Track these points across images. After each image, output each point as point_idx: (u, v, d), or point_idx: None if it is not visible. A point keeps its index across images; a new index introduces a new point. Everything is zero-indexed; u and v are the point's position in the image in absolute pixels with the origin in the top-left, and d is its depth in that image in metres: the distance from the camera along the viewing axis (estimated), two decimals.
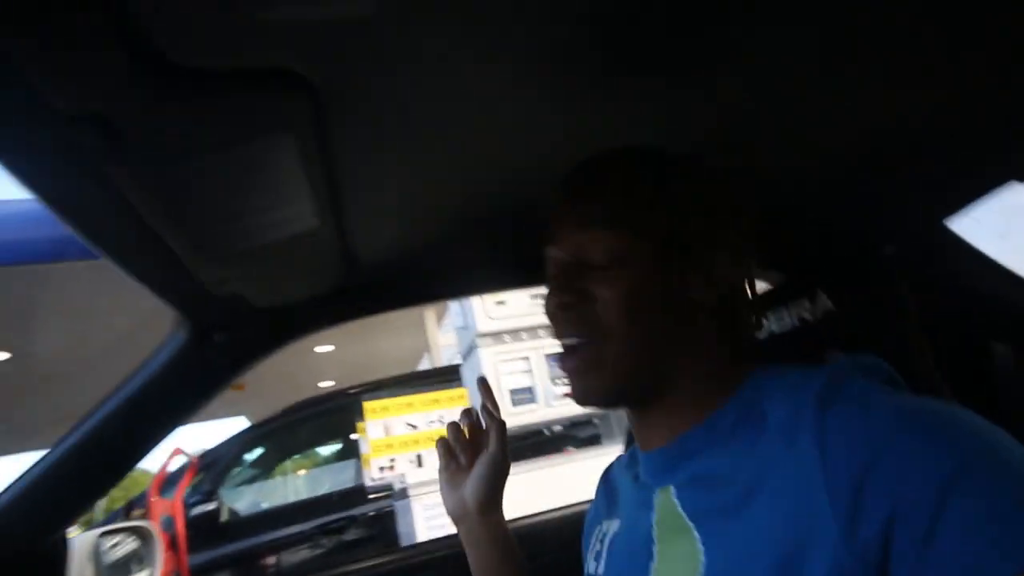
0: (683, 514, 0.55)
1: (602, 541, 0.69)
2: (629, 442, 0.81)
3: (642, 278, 0.57)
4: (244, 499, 4.22)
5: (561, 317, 0.60)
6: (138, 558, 1.22)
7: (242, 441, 4.12)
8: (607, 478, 0.78)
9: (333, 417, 4.25)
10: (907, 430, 0.43)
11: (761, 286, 0.71)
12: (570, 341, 0.60)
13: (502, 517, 0.83)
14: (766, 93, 0.70)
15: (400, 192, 0.79)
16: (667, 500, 0.57)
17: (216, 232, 0.71)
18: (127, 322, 3.05)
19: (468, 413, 0.85)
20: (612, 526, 0.68)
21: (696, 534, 0.53)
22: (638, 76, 0.62)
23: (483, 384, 0.87)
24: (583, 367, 0.59)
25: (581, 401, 0.61)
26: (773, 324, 0.89)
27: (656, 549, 0.57)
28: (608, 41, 0.56)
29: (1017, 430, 0.46)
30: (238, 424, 9.59)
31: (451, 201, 0.85)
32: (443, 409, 3.08)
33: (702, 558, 0.51)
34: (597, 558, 0.68)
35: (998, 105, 0.82)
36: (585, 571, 0.71)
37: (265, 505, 4.37)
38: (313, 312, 1.01)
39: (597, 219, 0.59)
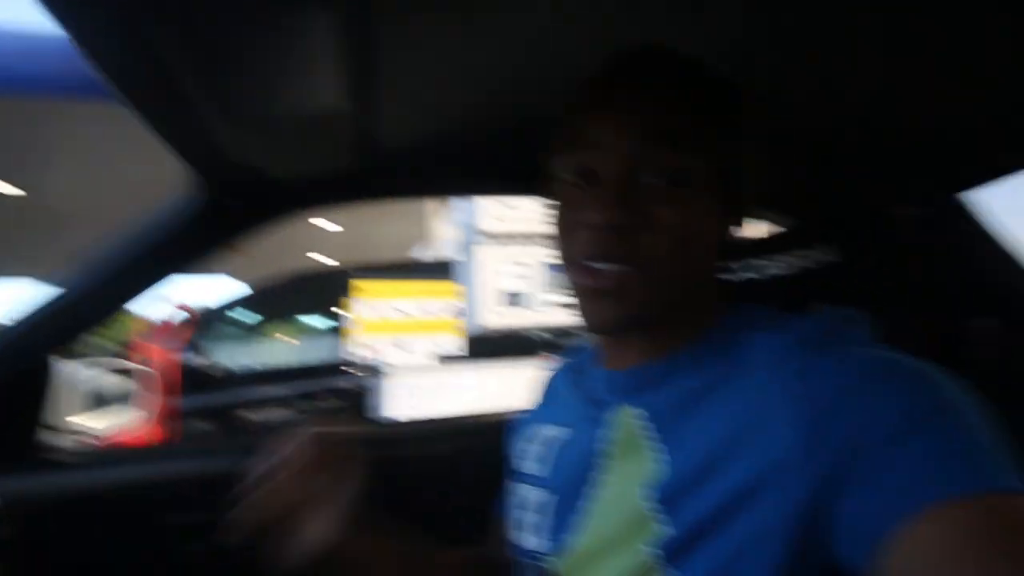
0: (644, 432, 0.56)
1: (547, 445, 0.67)
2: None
3: (702, 206, 0.54)
4: (234, 356, 4.37)
5: (611, 239, 0.52)
6: (127, 395, 1.28)
7: (236, 301, 4.21)
8: (550, 382, 0.77)
9: (323, 290, 4.33)
10: (880, 376, 0.46)
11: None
12: (615, 267, 0.53)
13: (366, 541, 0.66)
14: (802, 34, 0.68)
15: (432, 81, 0.77)
16: (628, 418, 0.58)
17: (242, 95, 0.69)
18: (142, 172, 3.01)
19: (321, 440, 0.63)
20: (560, 433, 0.67)
21: (655, 453, 0.54)
22: None
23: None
24: (617, 293, 0.53)
25: (597, 326, 0.56)
26: (773, 266, 0.91)
27: (606, 463, 0.58)
28: None
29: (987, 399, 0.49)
30: (221, 281, 9.70)
31: (480, 98, 0.83)
32: (434, 299, 3.13)
33: (656, 475, 0.52)
34: (541, 460, 0.67)
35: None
36: (522, 469, 0.70)
37: (252, 364, 4.53)
38: (326, 189, 1.00)
39: (661, 130, 0.52)
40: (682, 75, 0.55)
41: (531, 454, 0.70)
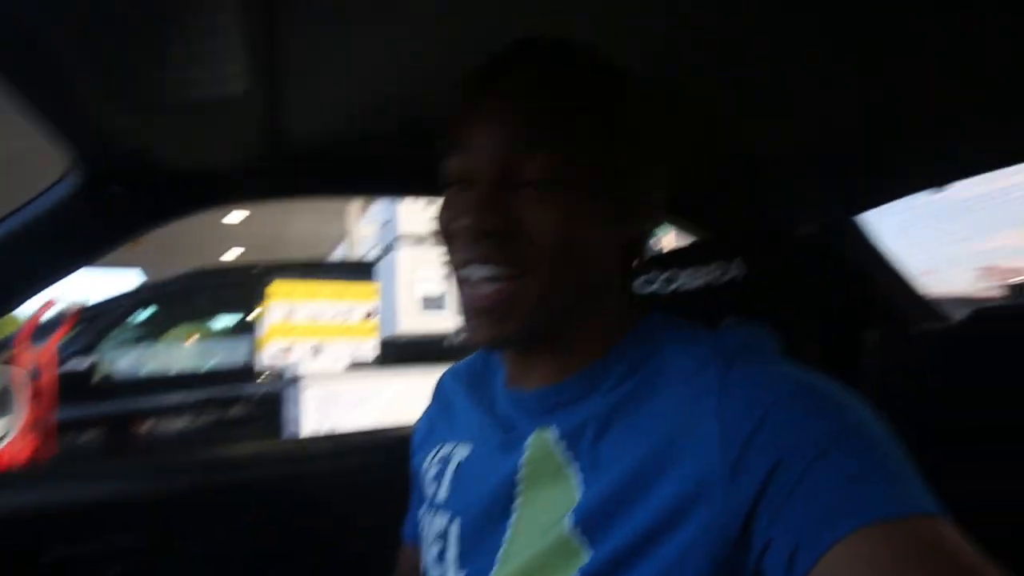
0: (563, 457, 0.53)
1: (444, 463, 0.64)
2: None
3: (578, 208, 0.51)
4: (125, 360, 4.05)
5: (483, 244, 0.51)
6: None
7: (132, 300, 3.90)
8: (441, 390, 0.73)
9: (234, 291, 4.10)
10: (799, 395, 0.46)
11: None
12: (492, 272, 0.51)
13: None
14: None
15: (340, 74, 0.74)
16: (544, 442, 0.55)
17: (133, 76, 0.63)
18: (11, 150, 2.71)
19: None
20: (459, 451, 0.63)
21: (575, 477, 0.52)
22: None
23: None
24: (500, 305, 0.51)
25: (486, 344, 0.54)
26: (685, 280, 0.93)
27: (521, 490, 0.55)
28: None
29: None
30: (130, 277, 9.07)
31: (390, 93, 0.80)
32: (352, 302, 3.04)
33: (577, 500, 0.51)
34: (438, 479, 0.63)
35: (921, 119, 0.90)
36: (422, 488, 0.67)
37: (147, 369, 4.23)
38: (228, 183, 0.94)
39: (533, 131, 0.50)
40: (560, 71, 0.53)
41: (430, 474, 0.66)
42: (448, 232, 0.54)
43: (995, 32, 0.68)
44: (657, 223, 0.61)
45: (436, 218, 0.56)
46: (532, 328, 0.53)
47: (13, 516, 0.91)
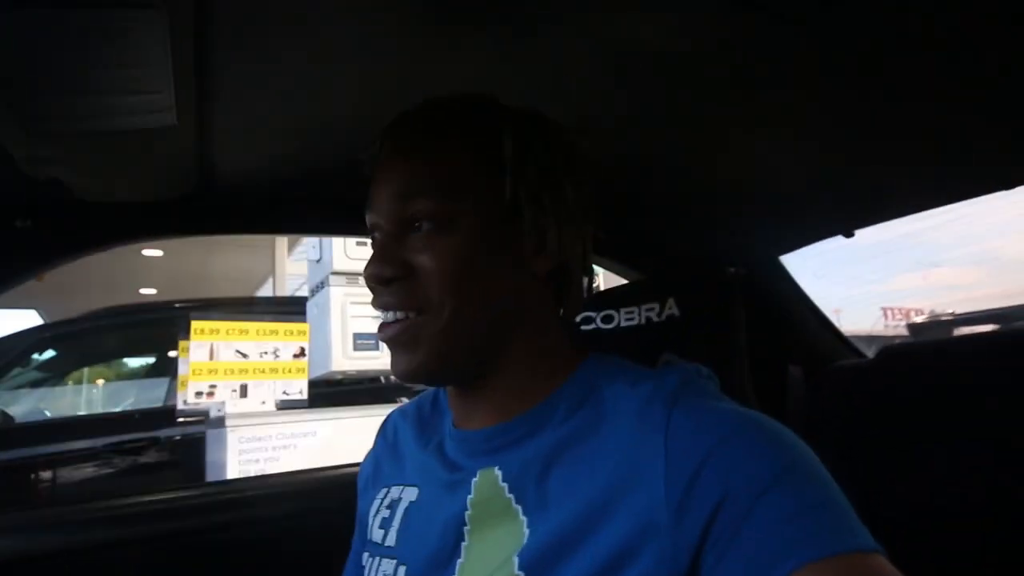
0: (509, 497, 0.53)
1: (391, 508, 0.63)
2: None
3: (467, 247, 0.53)
4: (24, 404, 3.72)
5: (382, 291, 0.55)
6: None
7: (32, 339, 3.61)
8: (387, 433, 0.73)
9: (151, 329, 3.86)
10: (743, 433, 0.47)
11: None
12: (398, 315, 0.54)
13: None
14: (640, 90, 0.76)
15: (273, 106, 0.72)
16: (490, 482, 0.55)
17: (48, 104, 0.59)
18: None
19: None
20: (406, 494, 0.63)
21: (522, 517, 0.52)
22: (478, 27, 0.63)
23: None
24: (403, 343, 0.54)
25: (402, 377, 0.56)
26: (621, 318, 0.95)
27: (468, 531, 0.54)
28: None
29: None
30: (26, 318, 8.39)
31: (320, 132, 0.80)
32: (280, 342, 2.92)
33: (524, 540, 0.50)
34: (385, 526, 0.62)
35: (834, 169, 0.98)
36: (367, 534, 0.65)
37: (49, 414, 3.89)
38: (151, 217, 0.89)
39: (416, 182, 0.54)
40: (440, 120, 0.57)
41: (378, 519, 0.64)
42: (367, 283, 0.58)
43: (916, 91, 0.75)
44: (573, 258, 0.59)
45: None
46: (443, 365, 0.55)
47: None
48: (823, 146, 0.91)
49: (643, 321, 0.91)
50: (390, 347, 0.56)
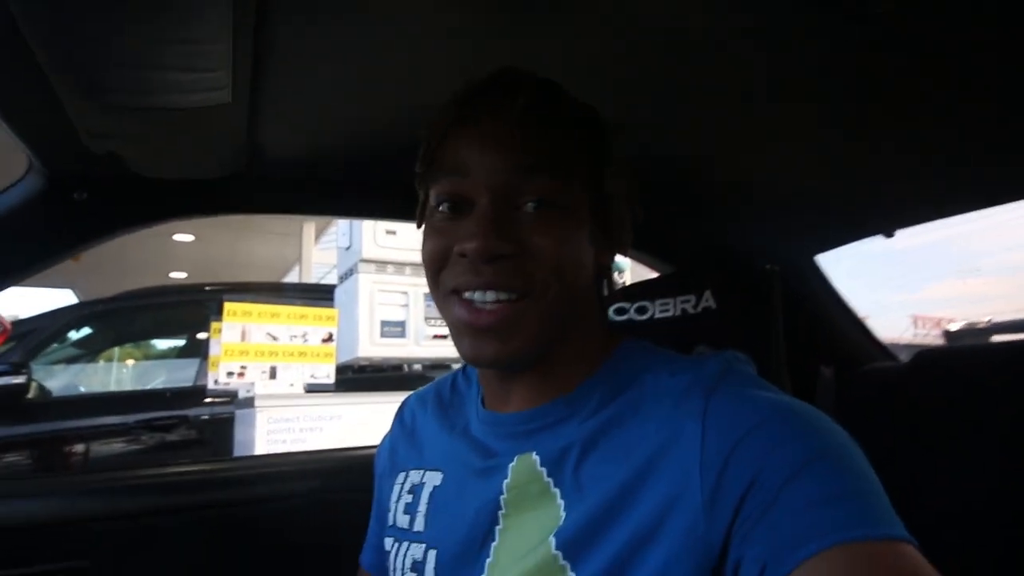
0: (548, 481, 0.53)
1: (414, 493, 0.63)
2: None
3: (577, 229, 0.54)
4: (60, 379, 3.83)
5: (491, 267, 0.51)
6: None
7: (69, 317, 3.71)
8: (404, 418, 0.73)
9: (182, 311, 3.95)
10: (778, 418, 0.47)
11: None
12: (501, 296, 0.51)
13: None
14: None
15: (325, 90, 0.74)
16: (528, 466, 0.55)
17: (114, 79, 0.61)
18: None
19: None
20: (429, 478, 0.63)
21: (559, 500, 0.52)
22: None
23: None
24: (506, 324, 0.51)
25: (484, 363, 0.55)
26: (656, 309, 0.95)
27: (504, 514, 0.55)
28: None
29: None
30: (62, 297, 8.62)
31: (367, 115, 0.81)
32: (309, 326, 2.96)
33: (561, 521, 0.51)
34: (410, 511, 0.62)
35: (875, 168, 0.97)
36: (389, 519, 0.65)
37: (83, 389, 4.00)
38: (200, 194, 0.91)
39: (531, 157, 0.52)
40: (551, 102, 0.55)
41: (401, 504, 0.65)
42: (444, 255, 0.54)
43: (945, 92, 0.74)
44: (624, 251, 0.62)
45: (427, 241, 0.56)
46: (535, 345, 0.53)
47: None
48: (865, 144, 0.89)
49: (678, 313, 0.91)
50: (480, 335, 0.52)
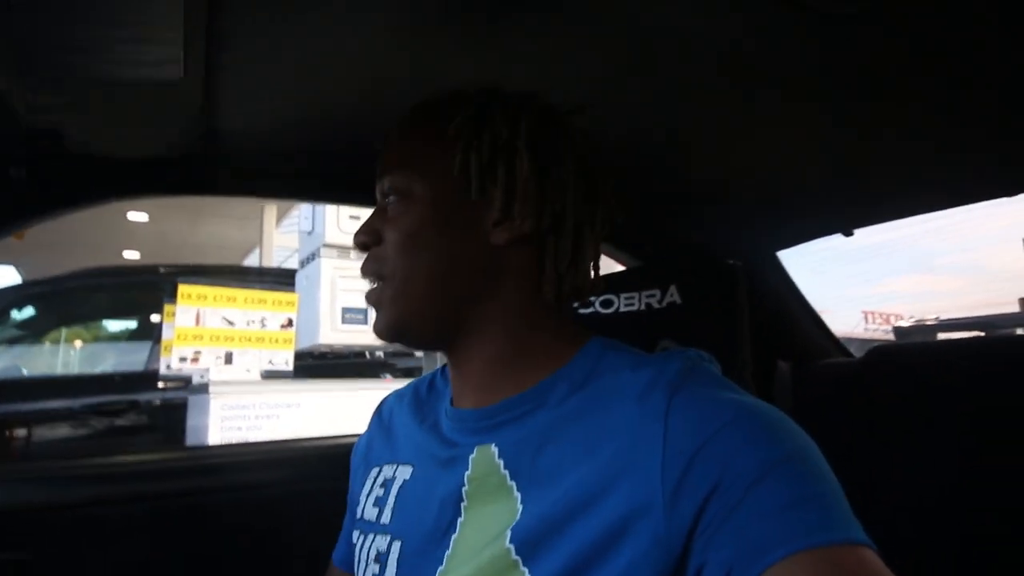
0: (504, 473, 0.54)
1: (385, 487, 0.64)
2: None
3: (418, 218, 0.57)
4: (1, 361, 3.66)
5: (365, 256, 0.62)
6: None
7: (11, 297, 3.55)
8: (382, 414, 0.74)
9: (133, 292, 3.81)
10: (741, 422, 0.47)
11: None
12: (368, 279, 0.62)
13: None
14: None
15: (285, 72, 0.71)
16: (487, 458, 0.55)
17: (51, 51, 0.57)
18: None
19: None
20: (400, 472, 0.63)
21: (516, 493, 0.52)
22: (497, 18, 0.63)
23: None
24: (375, 303, 0.61)
25: (376, 334, 0.62)
26: (621, 303, 0.95)
27: (465, 506, 0.55)
28: None
29: None
30: (3, 274, 8.24)
31: (319, 105, 0.79)
32: (268, 311, 2.89)
33: (517, 516, 0.51)
34: (380, 504, 0.63)
35: (837, 167, 0.99)
36: (358, 513, 0.66)
37: (26, 372, 3.84)
38: (150, 173, 0.87)
39: (390, 162, 0.60)
40: (422, 108, 0.62)
41: (372, 497, 0.65)
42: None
43: (906, 92, 0.76)
44: (546, 231, 0.57)
45: None
46: (400, 323, 0.59)
47: None
48: (827, 143, 0.91)
49: (643, 307, 0.91)
50: (373, 308, 0.62)
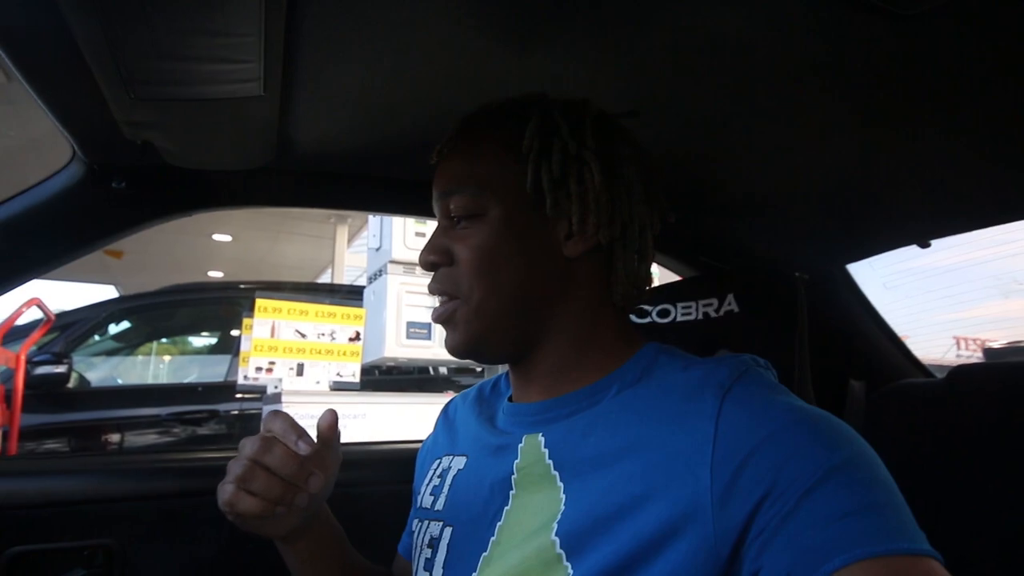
0: (549, 463, 0.54)
1: (442, 476, 0.66)
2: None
3: (493, 237, 0.58)
4: (98, 370, 3.96)
5: (434, 275, 0.62)
6: None
7: (110, 310, 3.84)
8: (448, 412, 0.76)
9: (216, 308, 4.06)
10: (796, 427, 0.46)
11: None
12: (436, 299, 0.62)
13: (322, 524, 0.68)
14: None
15: (354, 85, 0.75)
16: (533, 447, 0.56)
17: (150, 68, 0.64)
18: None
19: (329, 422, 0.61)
20: (455, 462, 0.65)
21: (559, 484, 0.52)
22: (574, 31, 0.64)
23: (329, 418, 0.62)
24: (446, 322, 0.61)
25: (449, 352, 0.62)
26: (678, 312, 0.94)
27: (512, 494, 0.56)
28: None
29: None
30: (105, 293, 8.94)
31: (391, 117, 0.82)
32: (337, 324, 3.01)
33: (561, 507, 0.51)
34: (436, 493, 0.65)
35: (912, 174, 0.94)
36: (418, 502, 0.68)
37: (120, 381, 4.13)
38: (231, 185, 0.94)
39: (453, 182, 0.60)
40: (474, 128, 0.62)
41: (428, 486, 0.67)
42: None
43: (988, 96, 0.72)
44: (616, 240, 0.59)
45: None
46: (475, 340, 0.59)
47: None
48: (901, 149, 0.87)
49: (700, 316, 0.90)
50: (443, 327, 0.62)
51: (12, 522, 0.88)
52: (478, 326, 0.58)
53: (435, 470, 0.68)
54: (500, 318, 0.58)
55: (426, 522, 0.64)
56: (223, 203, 0.96)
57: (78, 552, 0.91)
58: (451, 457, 0.67)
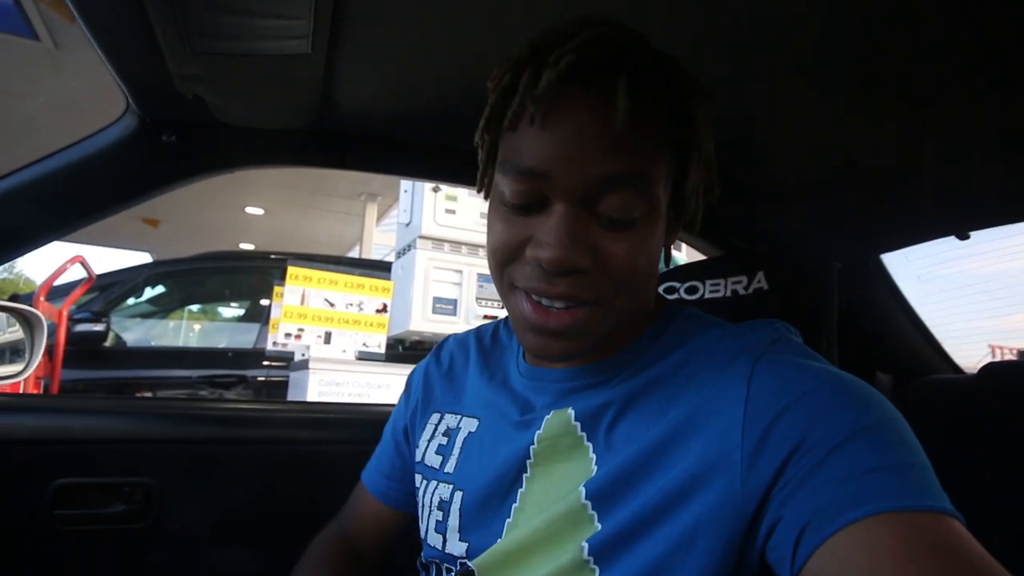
0: (581, 435, 0.54)
1: (448, 436, 0.65)
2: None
3: (653, 239, 0.52)
4: (134, 331, 4.09)
5: (565, 281, 0.49)
6: (14, 348, 1.16)
7: (147, 273, 3.96)
8: (440, 358, 0.73)
9: (248, 276, 4.15)
10: (828, 388, 0.46)
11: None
12: (571, 303, 0.50)
13: None
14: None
15: (401, 48, 0.76)
16: (562, 421, 0.56)
17: (207, 22, 0.66)
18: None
19: None
20: (465, 424, 0.64)
21: (592, 454, 0.53)
22: None
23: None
24: (573, 328, 0.50)
25: (555, 359, 0.55)
26: (706, 290, 0.94)
27: (531, 463, 0.56)
28: None
29: None
30: (141, 259, 9.20)
31: (438, 80, 0.83)
32: (366, 296, 3.06)
33: (592, 472, 0.51)
34: (443, 452, 0.64)
35: (951, 164, 0.92)
36: (418, 456, 0.67)
37: (154, 343, 4.26)
38: (275, 143, 0.96)
39: (614, 167, 0.48)
40: (645, 84, 0.48)
41: (433, 444, 0.67)
42: (513, 251, 0.51)
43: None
44: (693, 227, 0.60)
45: (495, 229, 0.53)
46: (594, 344, 0.53)
47: (31, 438, 0.93)
48: (940, 138, 0.85)
49: (729, 293, 0.90)
50: (546, 334, 0.51)
51: (59, 455, 0.93)
52: (605, 330, 0.53)
53: (436, 426, 0.67)
54: (624, 319, 0.54)
55: (434, 482, 0.64)
56: (266, 161, 0.98)
57: (118, 488, 0.96)
58: (458, 416, 0.66)
